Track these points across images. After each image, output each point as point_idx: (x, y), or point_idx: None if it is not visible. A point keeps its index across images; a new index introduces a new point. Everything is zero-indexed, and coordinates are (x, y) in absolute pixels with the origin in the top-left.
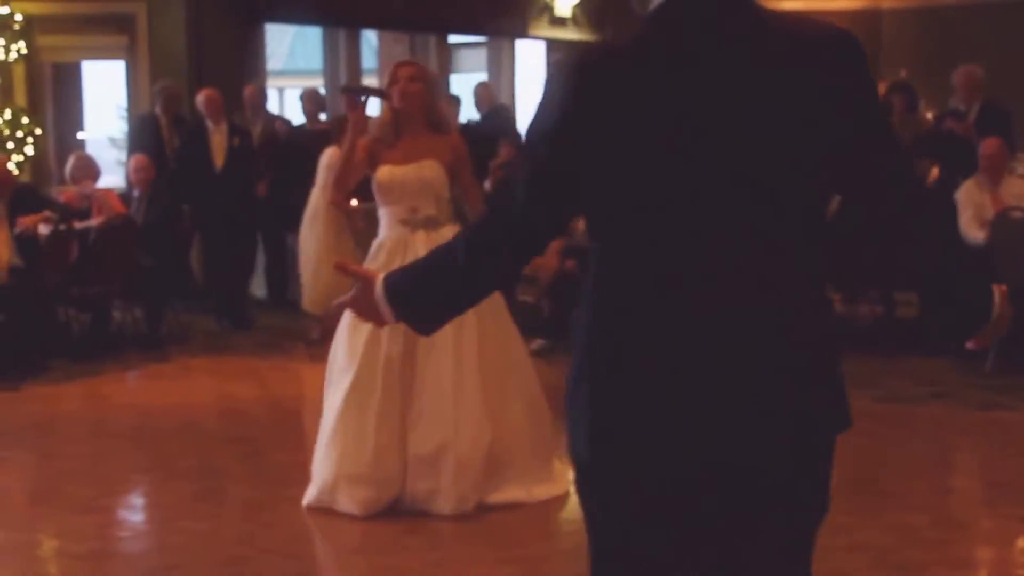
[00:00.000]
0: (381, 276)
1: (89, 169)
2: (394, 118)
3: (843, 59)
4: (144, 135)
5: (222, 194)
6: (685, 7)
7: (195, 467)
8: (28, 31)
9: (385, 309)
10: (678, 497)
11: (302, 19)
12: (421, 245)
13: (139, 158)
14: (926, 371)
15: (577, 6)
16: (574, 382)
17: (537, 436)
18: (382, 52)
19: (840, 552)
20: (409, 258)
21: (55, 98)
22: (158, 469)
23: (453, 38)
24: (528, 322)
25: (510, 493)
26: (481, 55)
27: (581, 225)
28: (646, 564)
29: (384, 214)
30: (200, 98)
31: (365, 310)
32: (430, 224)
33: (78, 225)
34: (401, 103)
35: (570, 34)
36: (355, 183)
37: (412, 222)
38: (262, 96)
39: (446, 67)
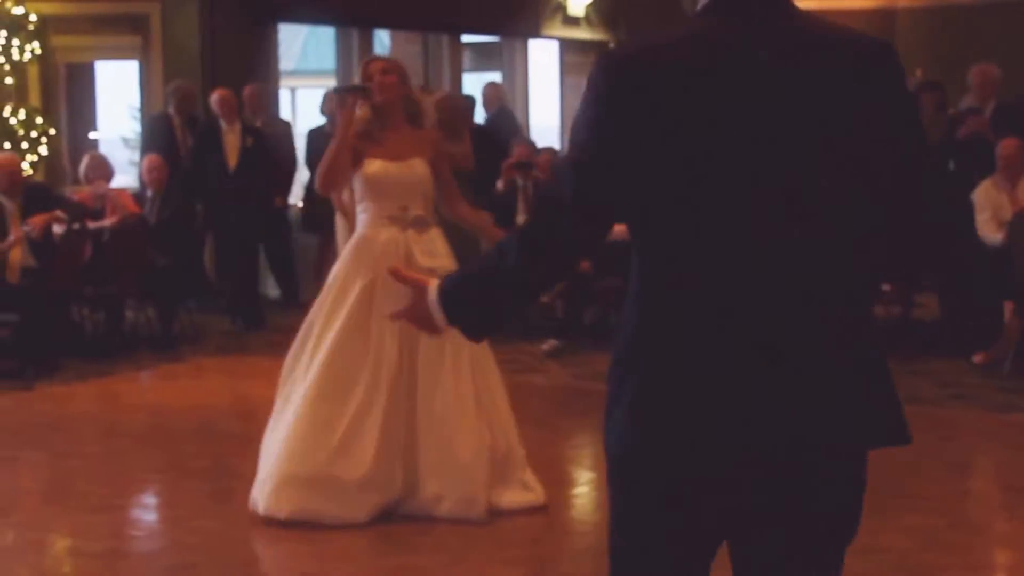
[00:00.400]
0: (435, 282)
1: (103, 169)
2: (375, 113)
3: (885, 69)
4: (157, 135)
5: (235, 194)
6: (732, 7)
7: (209, 467)
8: (42, 31)
9: (439, 316)
10: (719, 495)
11: (315, 19)
12: (415, 246)
13: (152, 158)
14: (944, 373)
15: (590, 5)
16: (619, 380)
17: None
18: (394, 52)
19: (857, 555)
20: (402, 259)
21: (68, 98)
22: (172, 469)
23: (466, 38)
24: (541, 322)
25: (517, 496)
26: (494, 55)
27: None
28: (674, 561)
29: (367, 209)
30: (214, 98)
31: (419, 318)
32: (419, 224)
33: (92, 225)
34: (380, 96)
35: (583, 34)
36: (346, 182)
37: (402, 220)
38: (263, 96)
39: (459, 67)
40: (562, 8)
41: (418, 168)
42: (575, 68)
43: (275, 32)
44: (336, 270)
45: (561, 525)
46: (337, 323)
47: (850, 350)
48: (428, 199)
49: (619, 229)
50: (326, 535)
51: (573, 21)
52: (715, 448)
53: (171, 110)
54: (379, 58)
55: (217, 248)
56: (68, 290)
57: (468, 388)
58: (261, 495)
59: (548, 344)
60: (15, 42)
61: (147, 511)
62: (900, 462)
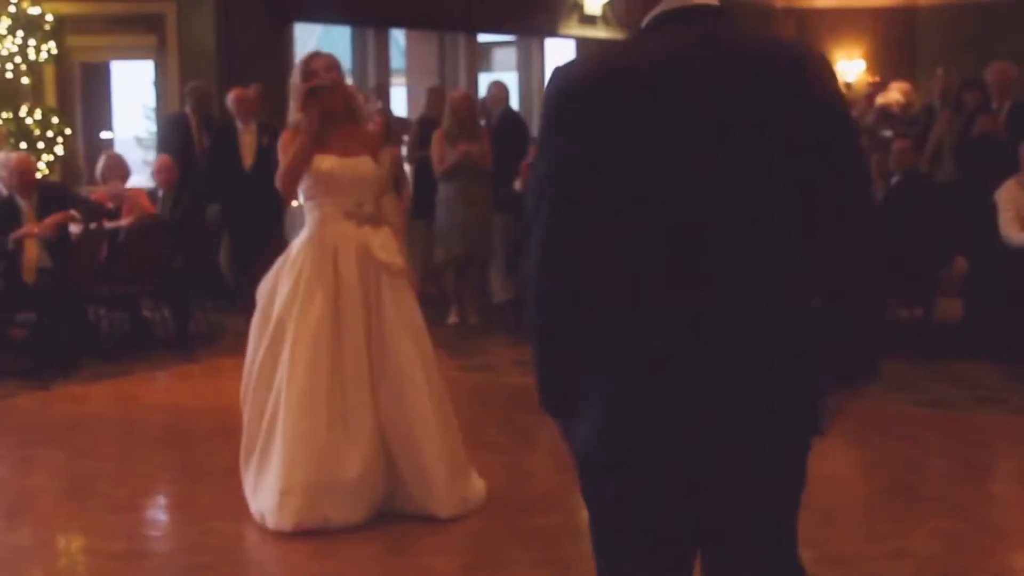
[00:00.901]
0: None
1: (120, 169)
2: (319, 111)
3: (811, 74)
4: (173, 135)
5: (251, 194)
6: (670, 24)
7: (225, 468)
8: (59, 31)
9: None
10: (682, 484)
11: (331, 18)
12: (372, 241)
13: (162, 159)
14: (968, 375)
15: (607, 4)
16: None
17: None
18: (410, 51)
19: (881, 559)
20: (359, 254)
21: (83, 98)
22: (188, 469)
23: (483, 37)
24: None
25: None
26: (511, 54)
27: None
28: (651, 547)
29: (321, 206)
30: (230, 98)
31: None
32: (372, 220)
33: (108, 225)
34: (328, 97)
35: (600, 32)
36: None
37: (358, 216)
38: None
39: (475, 66)
40: (579, 7)
41: (367, 165)
42: None
43: (291, 32)
44: (297, 268)
45: (579, 528)
46: (309, 328)
47: (793, 351)
48: (377, 197)
49: None
50: (343, 537)
51: (590, 20)
52: (678, 440)
53: (187, 109)
54: (321, 54)
55: (232, 248)
56: (85, 290)
57: (435, 384)
58: (267, 511)
59: None
60: (31, 42)
61: (164, 512)
62: (925, 466)
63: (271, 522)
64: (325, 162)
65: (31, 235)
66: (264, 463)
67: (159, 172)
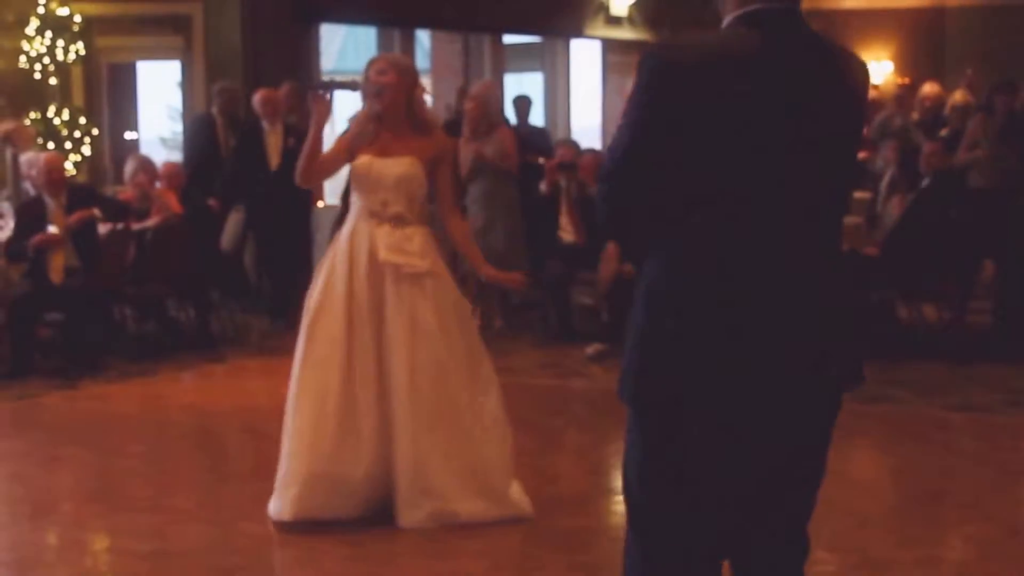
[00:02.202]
0: None
1: (149, 169)
2: (373, 115)
3: (866, 84)
4: (200, 135)
5: (276, 194)
6: (758, 22)
7: (252, 469)
8: (86, 32)
9: None
10: (729, 427)
11: (357, 19)
12: (381, 239)
13: (168, 165)
14: (1000, 378)
15: (633, 5)
16: (648, 336)
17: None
18: (435, 52)
19: (913, 566)
20: (368, 252)
21: (110, 98)
22: (215, 470)
23: (508, 38)
24: (586, 326)
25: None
26: (536, 55)
27: None
28: (696, 491)
29: (354, 203)
30: (257, 98)
31: None
32: (397, 220)
33: (135, 226)
34: (377, 101)
35: (626, 33)
36: (327, 176)
37: (380, 215)
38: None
39: (500, 67)
40: (604, 8)
41: (405, 166)
42: (617, 68)
43: (317, 32)
44: (327, 264)
45: (607, 532)
46: (325, 325)
47: (835, 314)
48: (413, 200)
49: None
50: (371, 538)
51: (616, 21)
52: (732, 387)
53: (214, 110)
54: (380, 58)
55: (258, 248)
56: (111, 290)
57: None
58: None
59: (592, 348)
60: (60, 43)
61: (193, 512)
62: (957, 471)
63: (271, 511)
64: (359, 160)
65: (55, 240)
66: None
67: (166, 177)
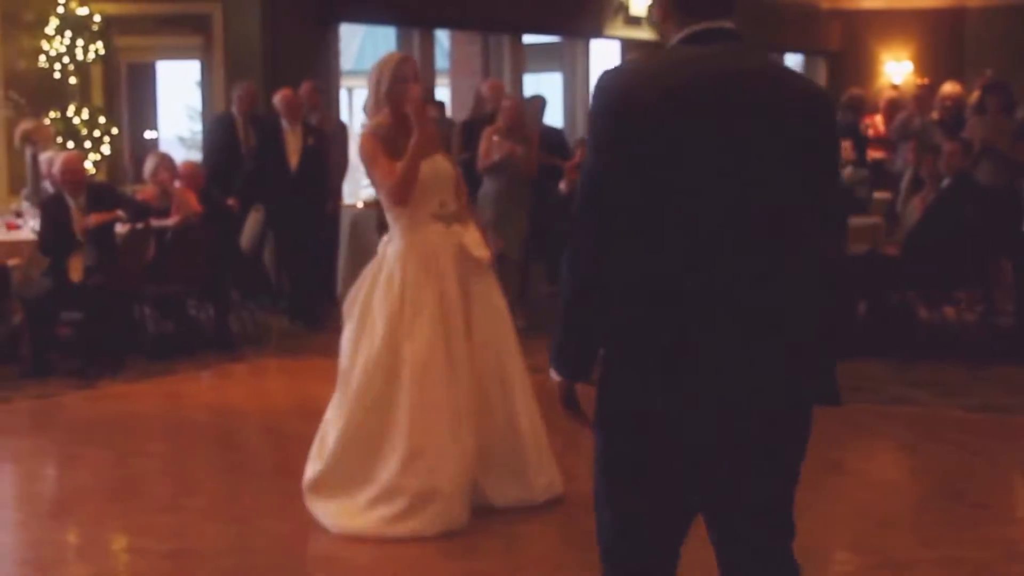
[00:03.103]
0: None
1: (169, 168)
2: (397, 117)
3: (821, 117)
4: (221, 134)
5: (296, 194)
6: (698, 45)
7: (272, 468)
8: (106, 32)
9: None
10: (703, 446)
11: (377, 19)
12: (466, 239)
13: (186, 164)
14: (1020, 379)
15: (651, 7)
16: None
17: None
18: (454, 52)
19: (933, 566)
20: (455, 254)
21: (129, 98)
22: (235, 469)
23: (527, 38)
24: None
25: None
26: (555, 55)
27: None
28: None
29: (404, 213)
30: (277, 98)
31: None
32: (458, 218)
33: (155, 223)
34: (425, 107)
35: (645, 34)
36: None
37: (444, 216)
38: (318, 94)
39: (520, 67)
40: (624, 8)
41: (444, 163)
42: None
43: (336, 32)
44: (398, 281)
45: None
46: (422, 348)
47: (802, 336)
48: (457, 194)
49: None
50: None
51: (635, 21)
52: (698, 402)
53: (234, 109)
54: (410, 59)
55: (277, 248)
56: (131, 289)
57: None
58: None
59: None
60: (79, 42)
61: (213, 511)
62: (978, 472)
63: (387, 528)
64: (423, 167)
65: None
66: (369, 477)
67: (186, 177)
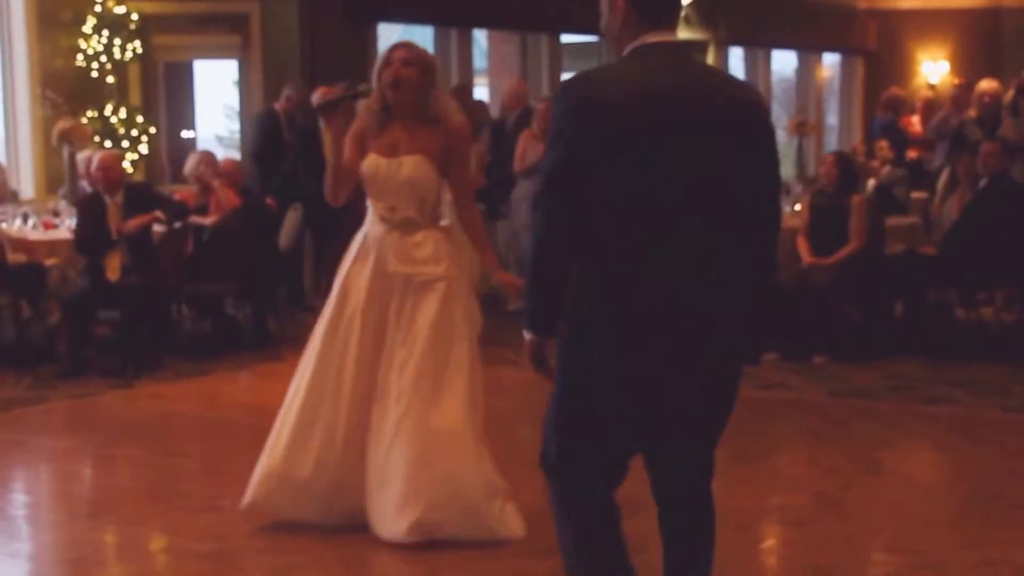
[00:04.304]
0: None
1: (211, 166)
2: (382, 104)
3: (756, 115)
4: (266, 131)
5: None
6: (650, 57)
7: None
8: (143, 30)
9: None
10: (647, 391)
11: (414, 18)
12: (390, 247)
13: (227, 162)
14: None
15: (691, 5)
16: (580, 330)
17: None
18: (492, 52)
19: (972, 567)
20: (379, 262)
21: (167, 97)
22: None
23: (565, 37)
24: None
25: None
26: (593, 54)
27: None
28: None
29: (369, 207)
30: (315, 96)
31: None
32: (406, 226)
33: (194, 219)
34: (392, 92)
35: (683, 33)
36: (352, 186)
37: (390, 221)
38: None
39: (558, 66)
40: None
41: (412, 167)
42: None
43: (374, 31)
44: (344, 269)
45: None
46: (327, 333)
47: (731, 303)
48: (425, 202)
49: None
50: (434, 539)
51: None
52: (648, 363)
53: (278, 107)
54: (406, 45)
55: (316, 247)
56: (169, 288)
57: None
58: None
59: None
60: (116, 41)
61: (250, 511)
62: (1016, 471)
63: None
64: (367, 162)
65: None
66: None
67: (225, 174)
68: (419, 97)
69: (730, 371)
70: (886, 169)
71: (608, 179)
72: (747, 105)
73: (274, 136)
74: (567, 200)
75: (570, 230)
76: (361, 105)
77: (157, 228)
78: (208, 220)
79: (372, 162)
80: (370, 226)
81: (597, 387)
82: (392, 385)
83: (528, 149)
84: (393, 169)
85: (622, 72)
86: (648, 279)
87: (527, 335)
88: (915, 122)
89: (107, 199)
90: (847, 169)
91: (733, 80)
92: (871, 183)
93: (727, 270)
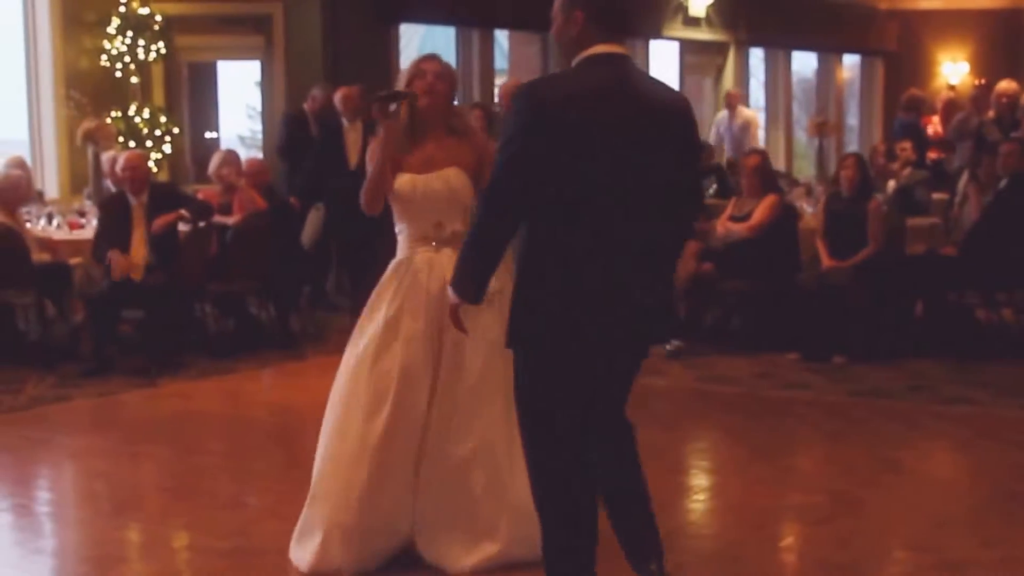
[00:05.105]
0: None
1: (235, 166)
2: (412, 120)
3: (685, 118)
4: (293, 131)
5: (355, 192)
6: (599, 65)
7: None
8: (167, 31)
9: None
10: (589, 352)
11: (436, 19)
12: (448, 264)
13: (251, 161)
14: None
15: (711, 6)
16: (530, 297)
17: None
18: (513, 53)
19: (991, 566)
20: (439, 282)
21: (190, 97)
22: (296, 467)
23: None
24: None
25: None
26: None
27: (719, 228)
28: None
29: (402, 229)
30: (337, 96)
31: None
32: (456, 241)
33: (218, 218)
34: (427, 100)
35: (704, 35)
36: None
37: (438, 239)
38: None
39: None
40: (683, 9)
41: (453, 178)
42: (695, 69)
43: (396, 32)
44: (384, 300)
45: (684, 529)
46: (364, 358)
47: (659, 285)
48: (467, 212)
49: (738, 228)
50: None
51: (694, 22)
52: (591, 326)
53: (306, 107)
54: (436, 58)
55: (338, 246)
56: (192, 287)
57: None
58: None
59: (671, 345)
60: (140, 42)
61: (272, 509)
62: None
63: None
64: (400, 180)
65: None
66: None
67: (251, 175)
68: (447, 109)
69: (658, 323)
70: (907, 171)
71: (557, 171)
72: (679, 111)
73: (301, 136)
74: (516, 191)
75: (513, 218)
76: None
77: (182, 227)
78: (231, 220)
79: (408, 181)
80: (410, 252)
81: (550, 336)
82: (453, 412)
83: None
84: (432, 184)
85: (575, 79)
86: (590, 257)
87: (454, 299)
88: (936, 122)
89: (132, 199)
90: (865, 173)
91: (668, 88)
92: (892, 184)
93: (651, 251)
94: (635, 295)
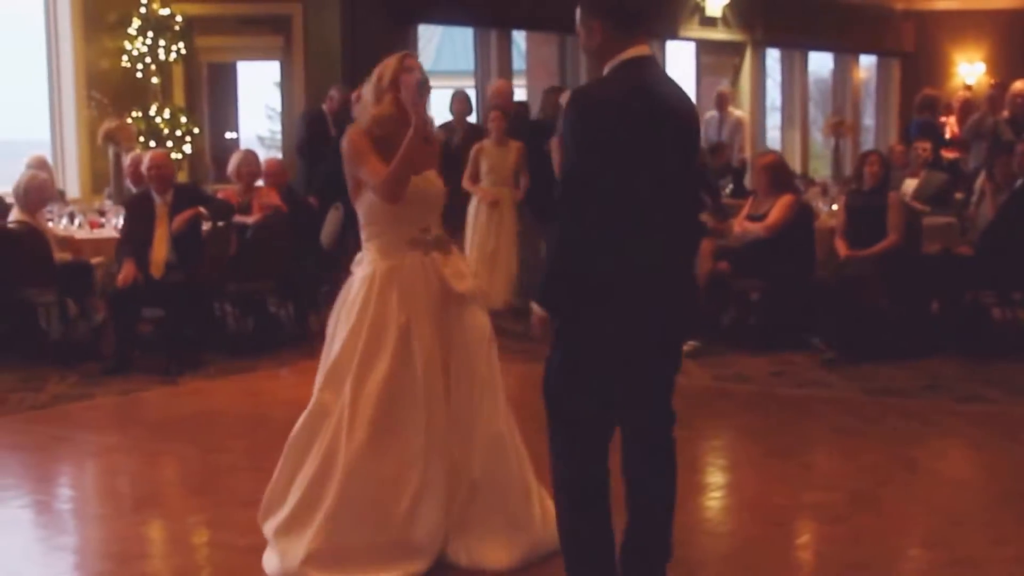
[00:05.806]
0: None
1: (254, 166)
2: (397, 115)
3: (696, 121)
4: (314, 130)
5: None
6: (628, 69)
7: None
8: (187, 32)
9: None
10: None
11: (454, 20)
12: (445, 270)
13: (270, 161)
14: None
15: (728, 6)
16: (573, 295)
17: None
18: (530, 53)
19: (1006, 564)
20: (436, 287)
21: (210, 98)
22: None
23: None
24: None
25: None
26: None
27: (736, 228)
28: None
29: (378, 234)
30: (355, 96)
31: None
32: (441, 244)
33: (237, 218)
34: (422, 97)
35: (720, 35)
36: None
37: (424, 243)
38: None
39: None
40: (700, 9)
41: (435, 181)
42: (712, 69)
43: (415, 32)
44: (356, 311)
45: (701, 527)
46: (379, 369)
47: (685, 284)
48: (442, 216)
49: (755, 228)
50: None
51: (710, 22)
52: (624, 323)
53: (325, 107)
54: (412, 55)
55: (353, 246)
56: (212, 286)
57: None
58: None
59: (688, 345)
60: (161, 42)
61: None
62: None
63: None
64: None
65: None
66: (301, 520)
67: (269, 176)
68: (427, 114)
69: (682, 333)
70: (923, 172)
71: (609, 175)
72: (692, 114)
73: (320, 135)
74: (584, 200)
75: (587, 227)
76: (378, 109)
77: (203, 226)
78: (250, 219)
79: (414, 180)
80: (391, 259)
81: (590, 340)
82: (464, 410)
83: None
84: (420, 186)
85: (613, 85)
86: (630, 260)
87: (539, 311)
88: (952, 122)
89: (157, 198)
90: (887, 169)
91: (681, 90)
92: (909, 183)
93: (679, 249)
94: (670, 293)
